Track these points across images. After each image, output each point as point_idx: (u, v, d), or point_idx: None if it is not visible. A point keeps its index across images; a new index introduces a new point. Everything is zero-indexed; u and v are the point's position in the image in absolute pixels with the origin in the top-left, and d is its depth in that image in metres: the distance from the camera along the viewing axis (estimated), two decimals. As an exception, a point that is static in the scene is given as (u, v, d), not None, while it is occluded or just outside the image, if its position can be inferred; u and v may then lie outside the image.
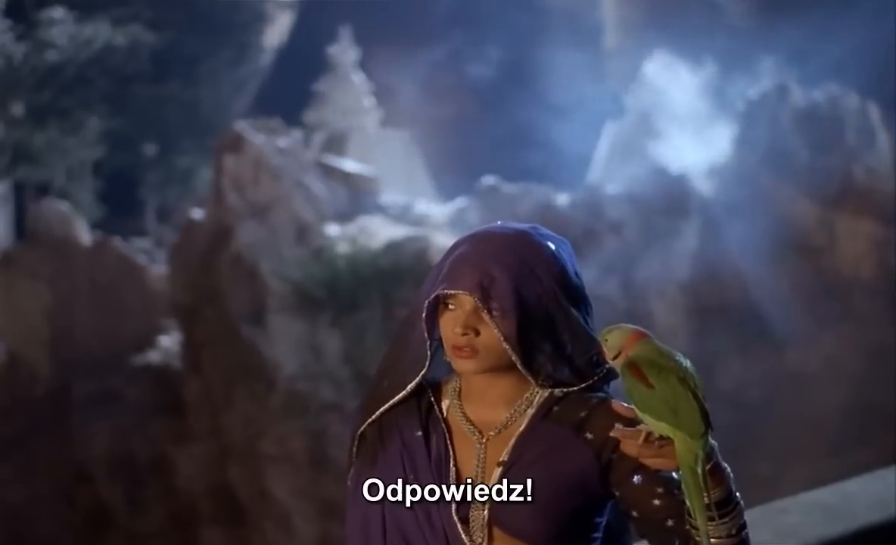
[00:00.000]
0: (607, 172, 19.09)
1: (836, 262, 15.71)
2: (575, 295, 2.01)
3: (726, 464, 1.89)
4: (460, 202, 17.63)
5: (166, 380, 16.48)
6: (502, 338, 1.93)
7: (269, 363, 15.09)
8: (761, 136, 16.47)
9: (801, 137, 16.22)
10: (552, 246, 2.02)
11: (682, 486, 1.80)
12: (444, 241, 15.71)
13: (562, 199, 16.41)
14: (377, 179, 18.20)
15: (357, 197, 17.56)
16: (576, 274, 2.04)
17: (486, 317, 1.94)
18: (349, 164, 18.43)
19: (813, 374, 15.04)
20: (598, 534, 1.98)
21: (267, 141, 16.72)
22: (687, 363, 1.82)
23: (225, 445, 15.19)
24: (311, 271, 15.60)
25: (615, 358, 1.88)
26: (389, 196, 18.21)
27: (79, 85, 21.05)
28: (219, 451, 15.24)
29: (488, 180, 16.85)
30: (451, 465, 1.99)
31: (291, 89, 21.89)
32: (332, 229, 16.42)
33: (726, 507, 1.88)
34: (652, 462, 1.84)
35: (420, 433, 2.01)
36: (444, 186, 20.46)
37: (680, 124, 19.65)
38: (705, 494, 1.80)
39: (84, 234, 18.36)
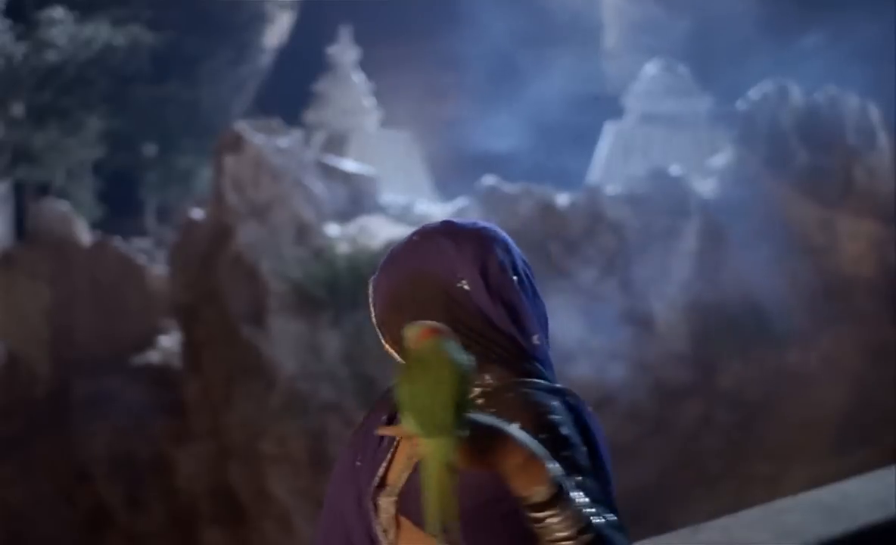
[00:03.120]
0: (607, 172, 19.10)
1: (836, 262, 15.71)
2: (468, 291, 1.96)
3: (554, 465, 1.75)
4: (460, 202, 17.63)
5: (166, 380, 16.48)
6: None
7: (269, 363, 15.09)
8: (761, 136, 16.47)
9: (801, 137, 16.22)
10: (452, 244, 1.99)
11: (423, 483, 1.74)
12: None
13: (562, 199, 16.41)
14: (377, 179, 18.21)
15: (357, 197, 17.56)
16: (483, 268, 1.98)
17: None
18: (349, 164, 18.44)
19: (813, 374, 15.04)
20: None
21: (267, 141, 16.72)
22: (461, 365, 1.75)
23: (225, 445, 15.20)
24: (311, 271, 15.60)
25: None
26: (389, 196, 18.21)
27: (79, 85, 21.05)
28: (219, 451, 15.25)
29: (488, 180, 16.86)
30: (389, 453, 1.99)
31: (291, 89, 21.90)
32: (332, 229, 16.42)
33: (551, 510, 1.74)
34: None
35: (385, 417, 2.02)
36: (444, 186, 20.47)
37: (680, 124, 19.66)
38: (441, 499, 1.70)
39: (84, 234, 18.36)
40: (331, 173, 17.64)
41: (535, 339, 1.98)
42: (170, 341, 17.20)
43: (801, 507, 3.51)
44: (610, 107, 20.59)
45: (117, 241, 18.34)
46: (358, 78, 21.76)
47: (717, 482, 14.45)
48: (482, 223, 2.05)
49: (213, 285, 15.72)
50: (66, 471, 16.05)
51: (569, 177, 17.93)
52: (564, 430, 1.88)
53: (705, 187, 16.65)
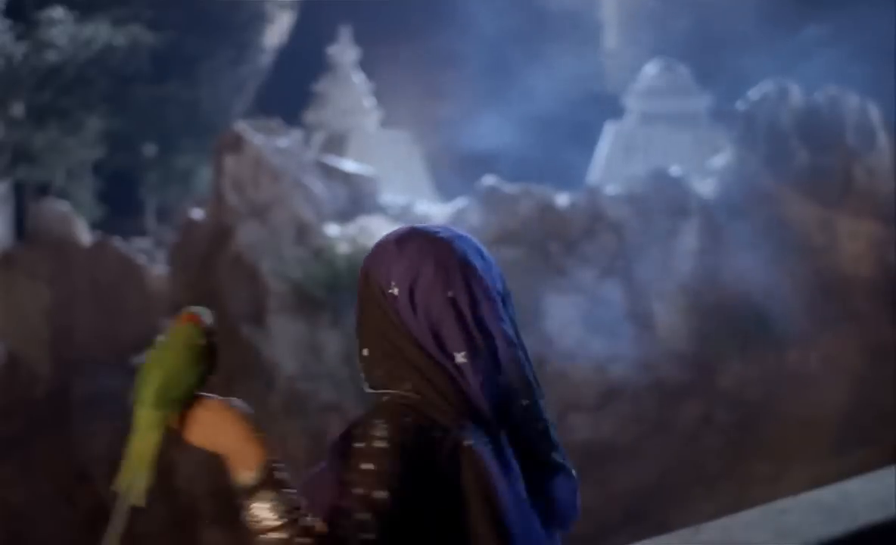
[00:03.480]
0: (607, 172, 19.10)
1: (836, 262, 15.71)
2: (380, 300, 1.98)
3: (273, 457, 1.86)
4: (460, 202, 17.64)
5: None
6: None
7: (269, 363, 15.09)
8: (761, 136, 16.47)
9: (801, 137, 16.23)
10: (396, 250, 1.99)
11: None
12: (444, 241, 15.67)
13: (562, 199, 16.41)
14: (377, 179, 18.21)
15: (357, 197, 17.56)
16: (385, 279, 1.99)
17: None
18: (349, 164, 18.44)
19: (813, 374, 15.04)
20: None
21: (267, 141, 16.72)
22: (179, 350, 1.89)
23: (225, 445, 15.19)
24: (311, 271, 15.60)
25: None
26: (389, 196, 18.21)
27: (79, 85, 21.06)
28: (219, 451, 15.24)
29: (488, 180, 16.86)
30: None
31: (291, 89, 21.90)
32: (332, 229, 16.42)
33: (258, 495, 1.83)
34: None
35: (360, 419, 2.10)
36: (444, 186, 20.47)
37: (680, 124, 19.66)
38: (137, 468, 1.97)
39: (84, 234, 18.36)
40: (331, 173, 17.64)
41: (460, 357, 1.93)
42: (170, 341, 17.18)
43: (801, 507, 3.51)
44: (610, 106, 20.59)
45: (117, 241, 18.34)
46: (358, 78, 21.76)
47: (717, 482, 14.45)
48: (447, 232, 2.01)
49: (213, 285, 15.72)
50: (66, 471, 16.05)
51: (569, 177, 17.93)
52: (378, 445, 1.86)
53: (705, 187, 16.65)
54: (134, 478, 1.99)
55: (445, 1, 22.15)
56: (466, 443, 1.89)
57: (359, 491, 1.84)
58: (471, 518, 1.88)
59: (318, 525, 1.81)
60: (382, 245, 2.01)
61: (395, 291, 1.96)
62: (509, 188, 16.59)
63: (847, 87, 16.37)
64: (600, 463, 14.17)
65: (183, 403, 1.90)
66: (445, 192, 19.95)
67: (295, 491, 1.84)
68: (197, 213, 17.08)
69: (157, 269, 18.13)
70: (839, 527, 3.36)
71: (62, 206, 18.62)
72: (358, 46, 21.75)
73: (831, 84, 16.49)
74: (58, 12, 20.39)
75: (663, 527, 3.87)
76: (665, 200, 16.01)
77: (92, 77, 21.12)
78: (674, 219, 15.95)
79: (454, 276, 1.96)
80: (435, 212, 18.01)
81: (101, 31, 20.64)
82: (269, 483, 1.84)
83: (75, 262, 17.76)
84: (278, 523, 1.81)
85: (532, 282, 15.25)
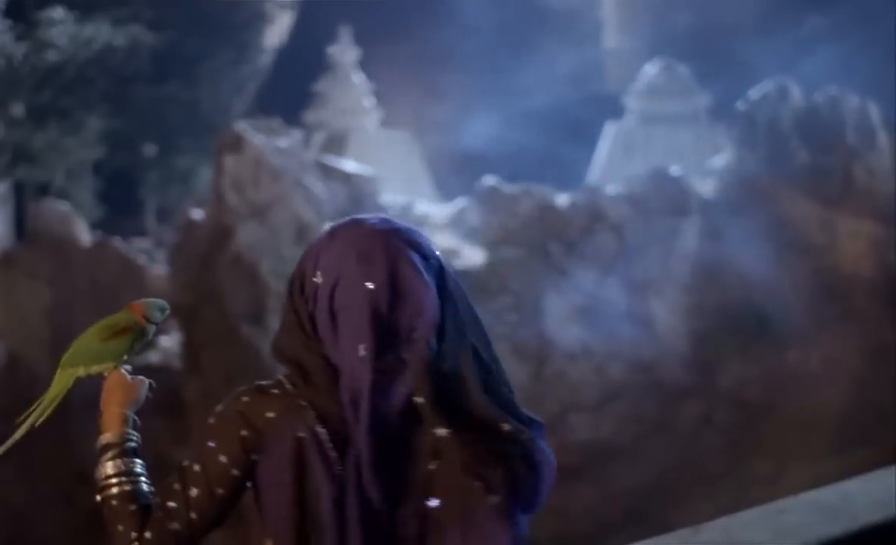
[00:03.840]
0: (607, 172, 19.10)
1: (835, 262, 15.71)
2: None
3: (131, 432, 2.12)
4: (460, 202, 17.64)
5: (166, 380, 16.48)
6: None
7: (269, 363, 15.06)
8: (761, 136, 16.47)
9: (801, 137, 16.22)
10: (327, 241, 2.10)
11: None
12: (444, 240, 15.71)
13: (562, 199, 16.40)
14: (377, 179, 18.20)
15: (357, 197, 17.55)
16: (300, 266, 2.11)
17: None
18: (349, 164, 18.44)
19: (813, 374, 15.04)
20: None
21: (267, 141, 16.71)
22: (98, 330, 2.20)
23: (225, 445, 15.19)
24: (311, 271, 15.58)
25: None
26: (389, 196, 18.21)
27: (79, 85, 21.05)
28: (219, 451, 15.25)
29: (488, 180, 16.86)
30: None
31: (291, 89, 21.90)
32: (332, 229, 16.40)
33: (105, 456, 2.06)
34: None
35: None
36: (444, 186, 20.47)
37: (680, 124, 19.66)
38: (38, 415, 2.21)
39: (84, 234, 18.36)
40: (331, 173, 17.63)
41: (362, 350, 1.93)
42: (170, 341, 17.19)
43: (801, 507, 3.51)
44: (610, 105, 20.59)
45: (117, 241, 18.33)
46: (358, 78, 21.76)
47: (717, 482, 14.45)
48: (384, 225, 2.03)
49: (213, 285, 15.71)
50: (66, 471, 16.04)
51: (569, 176, 17.93)
52: (210, 421, 2.13)
53: (705, 187, 16.65)
54: (26, 420, 2.23)
55: (446, 1, 22.14)
56: (300, 434, 1.94)
57: (185, 462, 2.08)
58: (287, 502, 1.96)
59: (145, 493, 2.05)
60: (319, 235, 2.10)
61: (319, 280, 2.02)
62: (509, 188, 16.58)
63: (848, 85, 16.36)
64: (600, 463, 14.17)
65: (87, 369, 2.20)
66: (445, 192, 19.95)
67: (141, 462, 2.10)
68: (197, 213, 17.07)
69: (157, 269, 18.12)
70: (839, 527, 3.35)
71: (62, 206, 18.62)
72: (358, 46, 21.75)
73: (832, 81, 16.48)
74: (58, 12, 20.37)
75: (663, 527, 3.87)
76: (665, 200, 16.00)
77: (92, 77, 21.12)
78: (674, 218, 15.94)
79: (377, 269, 1.96)
80: (435, 212, 18.02)
81: (101, 31, 20.63)
82: (116, 446, 2.06)
83: (75, 262, 17.75)
84: (113, 481, 2.03)
85: (532, 282, 15.24)
